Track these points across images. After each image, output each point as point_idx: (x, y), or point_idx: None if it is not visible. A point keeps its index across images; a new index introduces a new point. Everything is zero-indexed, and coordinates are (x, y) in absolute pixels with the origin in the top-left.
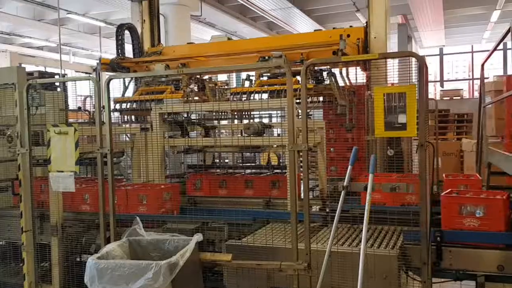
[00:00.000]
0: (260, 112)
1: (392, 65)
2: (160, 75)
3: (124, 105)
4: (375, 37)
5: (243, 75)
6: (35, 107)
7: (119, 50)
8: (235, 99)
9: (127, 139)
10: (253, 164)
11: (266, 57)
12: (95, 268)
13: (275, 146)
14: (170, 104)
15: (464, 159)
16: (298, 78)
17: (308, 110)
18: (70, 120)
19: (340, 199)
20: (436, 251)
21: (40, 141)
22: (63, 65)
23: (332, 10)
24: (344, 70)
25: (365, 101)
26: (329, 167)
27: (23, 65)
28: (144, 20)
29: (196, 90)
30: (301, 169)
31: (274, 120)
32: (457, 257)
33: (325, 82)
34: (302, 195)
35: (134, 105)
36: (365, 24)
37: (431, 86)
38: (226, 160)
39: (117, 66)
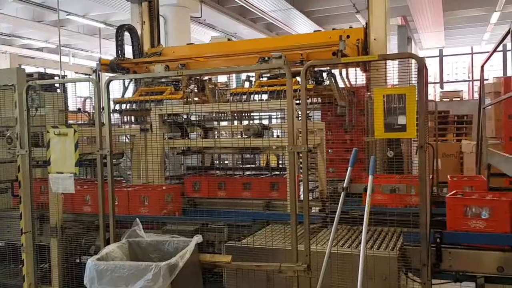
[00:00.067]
0: (260, 114)
1: (392, 66)
2: (159, 76)
3: (123, 106)
4: (375, 39)
5: (243, 75)
6: (35, 109)
7: (119, 51)
8: (235, 100)
9: (127, 140)
10: (253, 166)
11: (266, 58)
12: (94, 270)
13: (274, 147)
14: (170, 105)
15: (463, 160)
16: (298, 78)
17: (308, 112)
18: (70, 122)
19: (340, 200)
20: (436, 252)
21: (40, 142)
22: (62, 66)
23: (332, 11)
24: (344, 71)
25: (365, 102)
26: (328, 169)
27: (22, 66)
28: (144, 22)
29: (196, 90)
30: (301, 171)
31: (274, 121)
32: (456, 259)
33: (325, 83)
34: (301, 196)
35: (134, 106)
36: (364, 25)
37: (430, 88)
38: (226, 162)
39: (116, 66)
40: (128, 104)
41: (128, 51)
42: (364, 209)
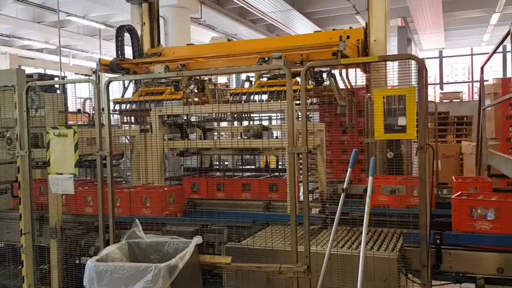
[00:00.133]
0: (260, 114)
1: (392, 67)
2: (159, 77)
3: (123, 106)
4: (375, 40)
5: (243, 76)
6: (35, 109)
7: (119, 51)
8: (234, 100)
9: (127, 141)
10: (253, 167)
11: (266, 58)
12: (94, 271)
13: (273, 148)
14: (169, 106)
15: (463, 161)
16: (298, 79)
17: (308, 113)
18: (70, 122)
19: (340, 201)
20: (436, 253)
21: (40, 143)
22: (62, 67)
23: (332, 12)
24: (344, 71)
25: (364, 103)
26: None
27: (22, 67)
28: (144, 23)
29: (196, 91)
30: (301, 172)
31: (274, 122)
32: (456, 260)
33: (325, 83)
34: (301, 197)
35: (134, 106)
36: (365, 26)
37: (430, 89)
38: (226, 163)
39: (116, 67)
40: (128, 105)
41: (128, 51)
42: (364, 210)
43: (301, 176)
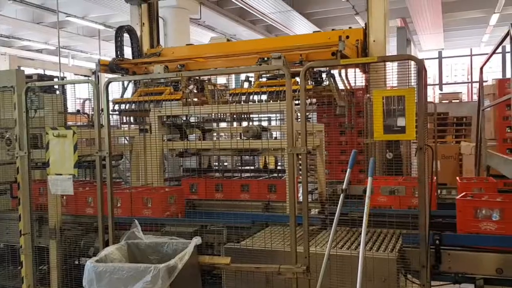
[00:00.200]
0: (259, 115)
1: (391, 68)
2: (158, 77)
3: (123, 106)
4: (374, 41)
5: (242, 76)
6: (34, 110)
7: (118, 52)
8: (234, 100)
9: (126, 142)
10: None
11: (265, 58)
12: (93, 271)
13: (273, 149)
14: (169, 106)
15: (463, 162)
16: (298, 79)
17: (307, 113)
18: (69, 123)
19: (339, 202)
20: (435, 254)
21: (39, 144)
22: (62, 68)
23: (331, 13)
24: (343, 71)
25: (364, 104)
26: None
27: (22, 68)
28: (144, 23)
29: (195, 91)
30: (300, 172)
31: (273, 122)
32: (456, 260)
33: (325, 83)
34: (300, 198)
35: (133, 106)
36: (364, 26)
37: (430, 89)
38: (225, 164)
39: (116, 67)
40: (127, 105)
41: (128, 52)
42: (364, 211)
43: (300, 177)
